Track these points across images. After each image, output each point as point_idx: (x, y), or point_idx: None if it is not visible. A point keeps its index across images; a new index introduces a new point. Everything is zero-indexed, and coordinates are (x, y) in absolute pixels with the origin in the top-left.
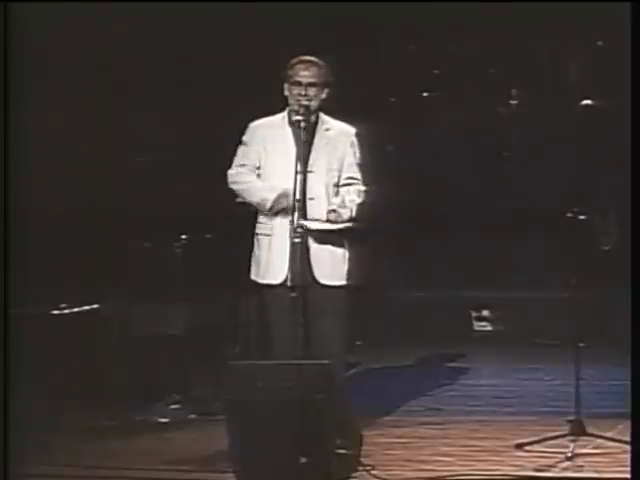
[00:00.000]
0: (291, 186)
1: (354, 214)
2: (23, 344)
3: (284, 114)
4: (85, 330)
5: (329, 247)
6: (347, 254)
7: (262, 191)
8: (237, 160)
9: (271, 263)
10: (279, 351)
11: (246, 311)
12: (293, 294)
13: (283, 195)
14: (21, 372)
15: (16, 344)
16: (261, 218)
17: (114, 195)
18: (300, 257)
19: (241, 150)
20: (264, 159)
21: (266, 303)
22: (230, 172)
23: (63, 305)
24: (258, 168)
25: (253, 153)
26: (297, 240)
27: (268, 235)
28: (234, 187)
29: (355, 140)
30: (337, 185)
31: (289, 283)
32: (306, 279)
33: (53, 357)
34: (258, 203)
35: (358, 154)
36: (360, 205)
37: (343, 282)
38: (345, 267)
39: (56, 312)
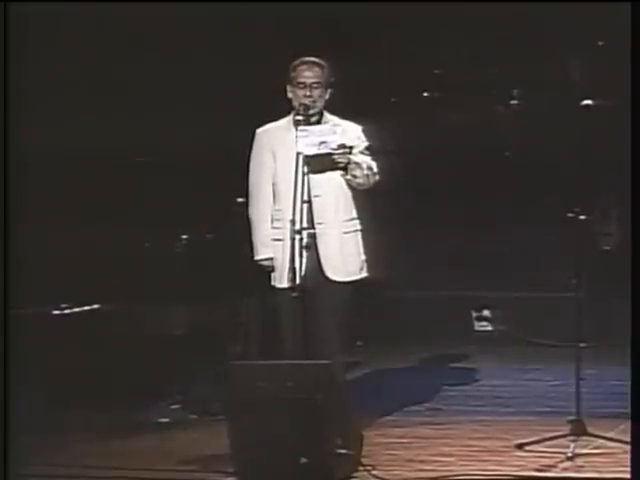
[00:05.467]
0: (298, 189)
1: (370, 171)
2: (23, 344)
3: (290, 117)
4: (85, 330)
5: (338, 243)
6: (356, 249)
7: (259, 243)
8: (251, 195)
9: (285, 267)
10: (290, 351)
11: (247, 311)
12: (304, 294)
13: (269, 259)
14: (21, 372)
15: (16, 344)
16: (273, 223)
17: (113, 194)
18: (309, 257)
19: (251, 183)
20: (274, 164)
21: (278, 304)
22: (250, 213)
23: (63, 305)
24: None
25: (262, 168)
26: (307, 240)
27: (280, 240)
28: (250, 224)
29: (362, 135)
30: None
31: (300, 283)
32: (317, 278)
33: (53, 357)
34: (254, 247)
35: (366, 144)
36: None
37: (352, 278)
38: (354, 263)
39: (56, 312)
